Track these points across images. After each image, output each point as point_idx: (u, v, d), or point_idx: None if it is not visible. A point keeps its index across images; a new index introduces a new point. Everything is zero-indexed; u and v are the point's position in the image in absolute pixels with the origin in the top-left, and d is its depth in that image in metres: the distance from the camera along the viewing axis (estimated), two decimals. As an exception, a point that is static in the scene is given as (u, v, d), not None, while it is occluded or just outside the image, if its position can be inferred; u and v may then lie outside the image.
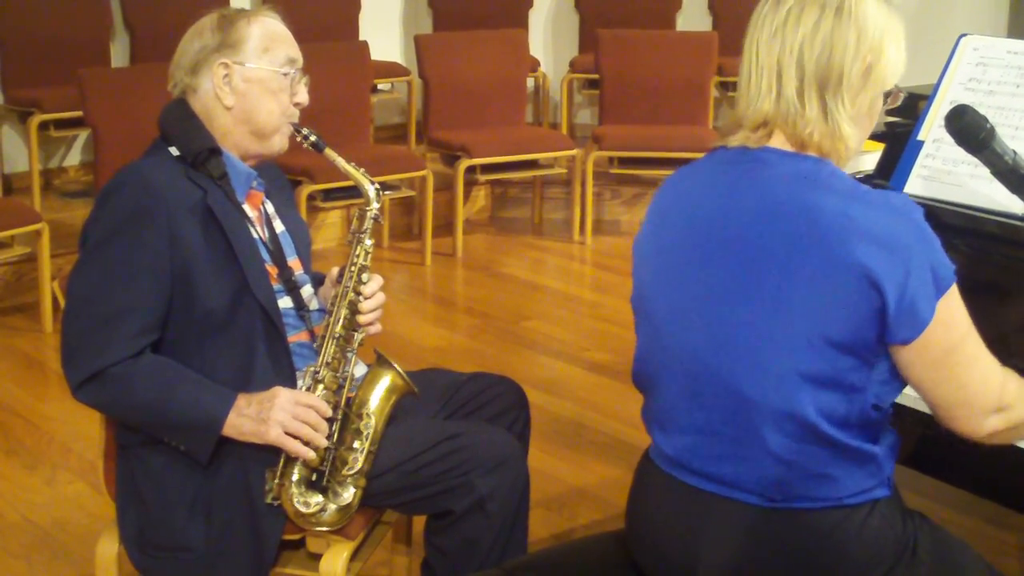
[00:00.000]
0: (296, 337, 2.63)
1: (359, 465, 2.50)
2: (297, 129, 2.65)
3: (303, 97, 2.66)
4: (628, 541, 2.24)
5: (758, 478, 2.02)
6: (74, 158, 7.06)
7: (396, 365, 2.59)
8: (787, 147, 2.03)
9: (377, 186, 2.70)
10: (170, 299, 2.47)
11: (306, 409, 2.47)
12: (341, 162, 2.66)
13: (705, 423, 2.05)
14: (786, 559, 2.03)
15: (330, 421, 2.51)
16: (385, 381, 2.59)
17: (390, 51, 8.08)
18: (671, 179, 2.18)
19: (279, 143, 2.65)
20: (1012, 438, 2.09)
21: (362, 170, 2.69)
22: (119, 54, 7.09)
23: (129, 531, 2.57)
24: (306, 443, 2.47)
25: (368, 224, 2.66)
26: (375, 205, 2.68)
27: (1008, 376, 2.06)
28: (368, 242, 2.66)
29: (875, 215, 1.92)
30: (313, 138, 2.65)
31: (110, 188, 2.50)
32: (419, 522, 2.80)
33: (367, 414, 2.54)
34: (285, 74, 2.62)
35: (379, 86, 7.62)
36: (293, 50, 2.65)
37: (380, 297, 2.69)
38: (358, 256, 2.64)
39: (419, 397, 2.66)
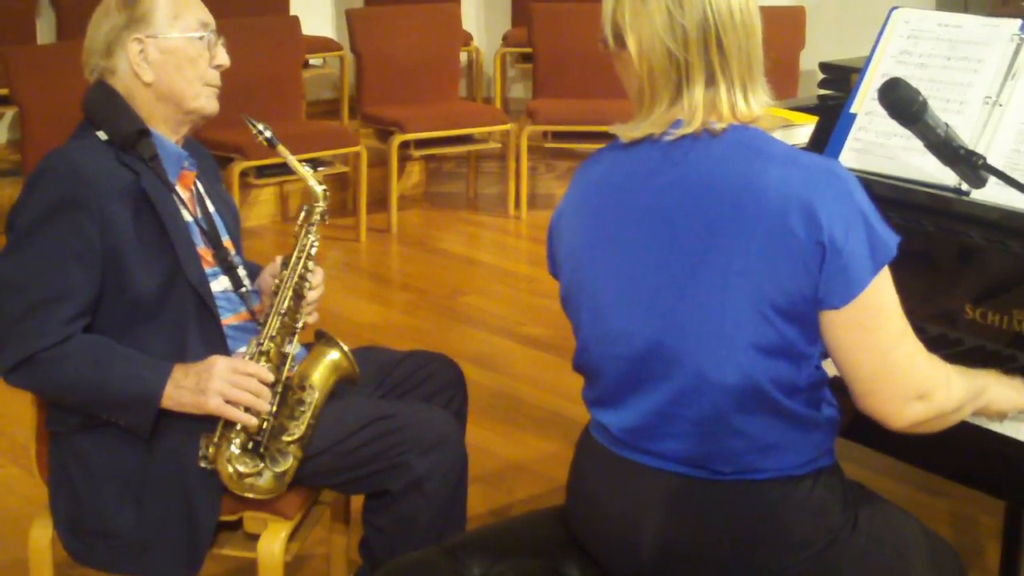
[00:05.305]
0: (231, 319, 2.61)
1: (300, 432, 2.48)
2: (251, 123, 2.62)
3: (223, 59, 2.63)
4: (568, 518, 2.23)
5: (707, 453, 2.01)
6: (0, 137, 6.95)
7: (343, 345, 2.58)
8: (709, 121, 2.01)
9: (324, 187, 2.68)
10: (101, 284, 2.44)
11: (246, 377, 2.45)
12: (292, 160, 2.65)
13: (655, 405, 2.03)
14: (731, 532, 2.02)
15: (271, 388, 2.49)
16: (331, 356, 2.57)
17: (322, 26, 8.01)
18: (588, 168, 2.15)
19: (208, 106, 2.62)
20: (936, 428, 2.04)
21: (312, 170, 2.68)
22: (45, 31, 6.98)
23: (61, 516, 2.54)
24: (247, 410, 2.45)
25: (316, 219, 2.65)
26: (323, 203, 2.66)
27: (935, 365, 2.02)
28: (315, 235, 2.65)
29: (815, 179, 1.92)
30: (268, 134, 2.62)
31: (38, 174, 2.46)
32: (357, 501, 2.79)
33: (310, 386, 2.52)
34: (200, 38, 2.59)
35: (311, 61, 7.56)
36: (203, 13, 2.61)
37: (321, 289, 2.69)
38: (307, 243, 2.62)
39: (358, 381, 2.64)
